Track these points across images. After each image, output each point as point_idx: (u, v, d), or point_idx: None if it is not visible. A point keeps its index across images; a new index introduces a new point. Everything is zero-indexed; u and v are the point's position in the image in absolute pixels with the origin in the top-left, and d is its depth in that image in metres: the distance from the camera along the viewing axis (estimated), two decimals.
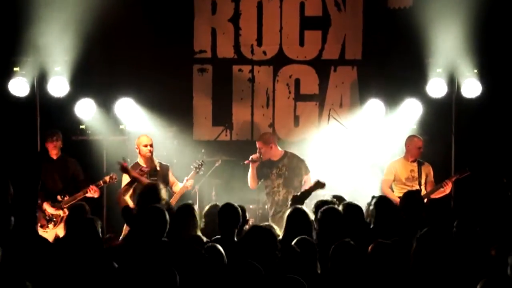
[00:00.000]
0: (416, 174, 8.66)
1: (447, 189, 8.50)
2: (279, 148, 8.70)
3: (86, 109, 9.39)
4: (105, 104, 9.58)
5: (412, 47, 9.47)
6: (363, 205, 7.09)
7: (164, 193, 6.70)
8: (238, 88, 10.40)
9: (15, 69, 8.89)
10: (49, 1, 8.89)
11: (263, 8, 10.31)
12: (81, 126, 9.56)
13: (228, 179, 9.56)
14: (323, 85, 10.37)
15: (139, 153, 8.48)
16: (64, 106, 9.35)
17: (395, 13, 10.12)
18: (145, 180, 7.76)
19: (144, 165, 8.29)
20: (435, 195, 8.55)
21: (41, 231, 8.37)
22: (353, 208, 6.16)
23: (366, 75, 10.21)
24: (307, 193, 7.21)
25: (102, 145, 9.55)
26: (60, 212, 8.57)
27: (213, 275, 4.51)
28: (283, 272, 4.31)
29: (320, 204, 6.26)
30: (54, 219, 8.59)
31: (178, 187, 8.39)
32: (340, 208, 6.06)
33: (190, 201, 6.48)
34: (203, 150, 9.38)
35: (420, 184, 8.61)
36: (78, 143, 9.58)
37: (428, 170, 8.75)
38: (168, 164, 8.69)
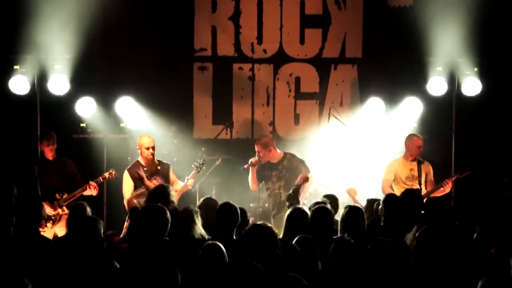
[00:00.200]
0: (416, 173, 8.63)
1: (447, 188, 8.48)
2: (278, 150, 8.70)
3: (86, 107, 9.39)
4: (106, 102, 9.57)
5: (412, 46, 9.46)
6: (363, 203, 7.14)
7: (174, 195, 6.78)
8: (239, 87, 10.40)
9: (15, 67, 8.88)
10: None
11: (263, 6, 10.29)
12: (81, 125, 9.56)
13: (228, 177, 9.53)
14: (324, 84, 10.35)
15: (141, 154, 8.48)
16: (65, 104, 9.35)
17: (396, 11, 10.09)
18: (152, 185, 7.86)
19: (145, 164, 8.33)
20: (435, 194, 8.54)
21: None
22: (321, 211, 6.12)
23: (366, 74, 10.20)
24: (296, 189, 7.62)
25: (103, 144, 9.55)
26: (59, 210, 8.56)
27: (214, 274, 4.51)
28: (283, 270, 4.32)
29: (312, 206, 6.35)
30: (53, 218, 8.58)
31: (179, 185, 8.38)
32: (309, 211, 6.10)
33: (192, 206, 6.46)
34: (203, 149, 9.39)
35: (420, 183, 8.58)
36: (78, 141, 9.59)
37: (428, 169, 8.72)
38: (169, 163, 8.69)
